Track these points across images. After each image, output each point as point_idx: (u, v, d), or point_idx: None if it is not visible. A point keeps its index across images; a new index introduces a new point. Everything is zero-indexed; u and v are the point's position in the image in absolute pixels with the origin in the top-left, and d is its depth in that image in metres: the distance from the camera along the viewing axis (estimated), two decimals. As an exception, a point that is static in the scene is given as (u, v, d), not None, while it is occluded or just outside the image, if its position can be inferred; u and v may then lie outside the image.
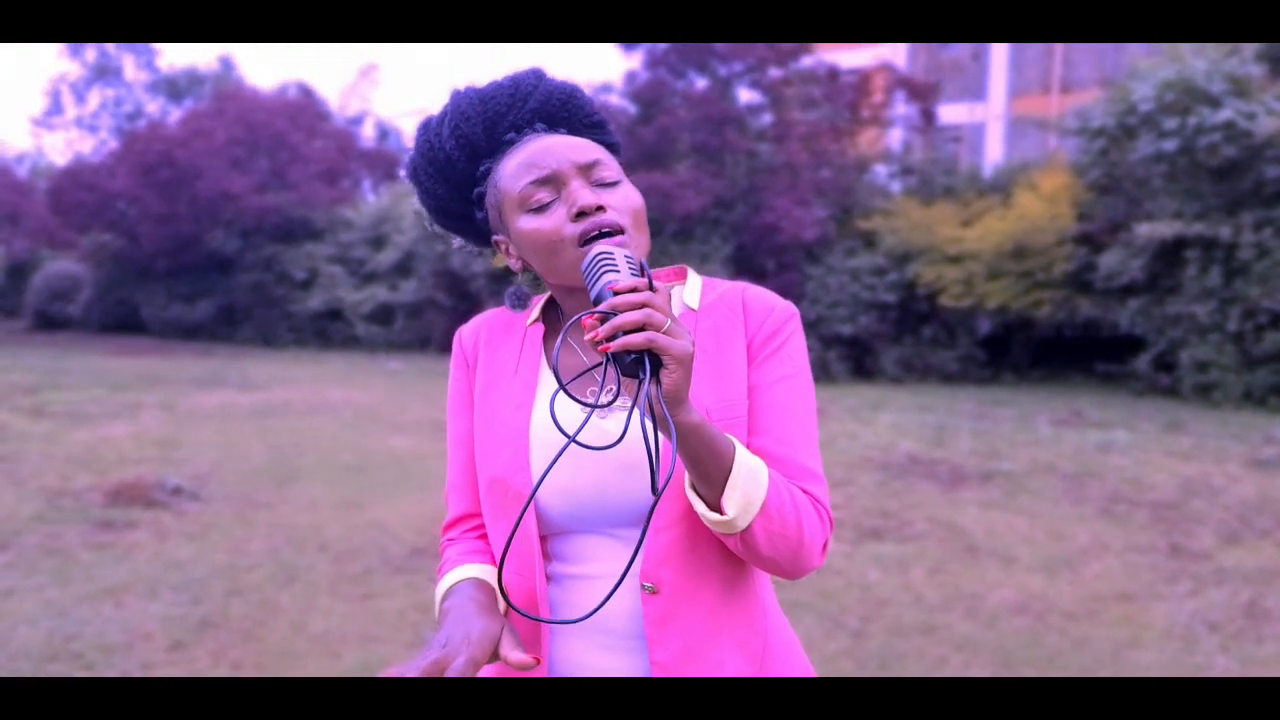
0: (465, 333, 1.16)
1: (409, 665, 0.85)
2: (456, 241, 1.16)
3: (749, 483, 0.89)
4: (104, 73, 28.16)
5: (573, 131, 1.06)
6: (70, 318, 23.47)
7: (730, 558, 0.97)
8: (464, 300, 18.26)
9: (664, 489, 0.79)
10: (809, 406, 1.01)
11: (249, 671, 3.05)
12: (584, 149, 1.00)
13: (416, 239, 19.09)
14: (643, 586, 0.96)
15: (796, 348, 1.03)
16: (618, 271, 0.86)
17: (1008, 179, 13.40)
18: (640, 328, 0.80)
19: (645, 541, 0.89)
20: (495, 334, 1.13)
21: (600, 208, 0.96)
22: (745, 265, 13.19)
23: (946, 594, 3.91)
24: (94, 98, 28.54)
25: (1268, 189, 10.35)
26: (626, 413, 0.84)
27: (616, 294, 0.82)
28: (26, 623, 3.37)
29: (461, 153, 1.06)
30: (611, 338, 0.80)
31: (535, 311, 1.12)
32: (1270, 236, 10.29)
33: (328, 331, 20.06)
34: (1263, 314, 10.22)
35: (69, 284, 24.27)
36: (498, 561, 0.96)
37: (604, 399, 0.83)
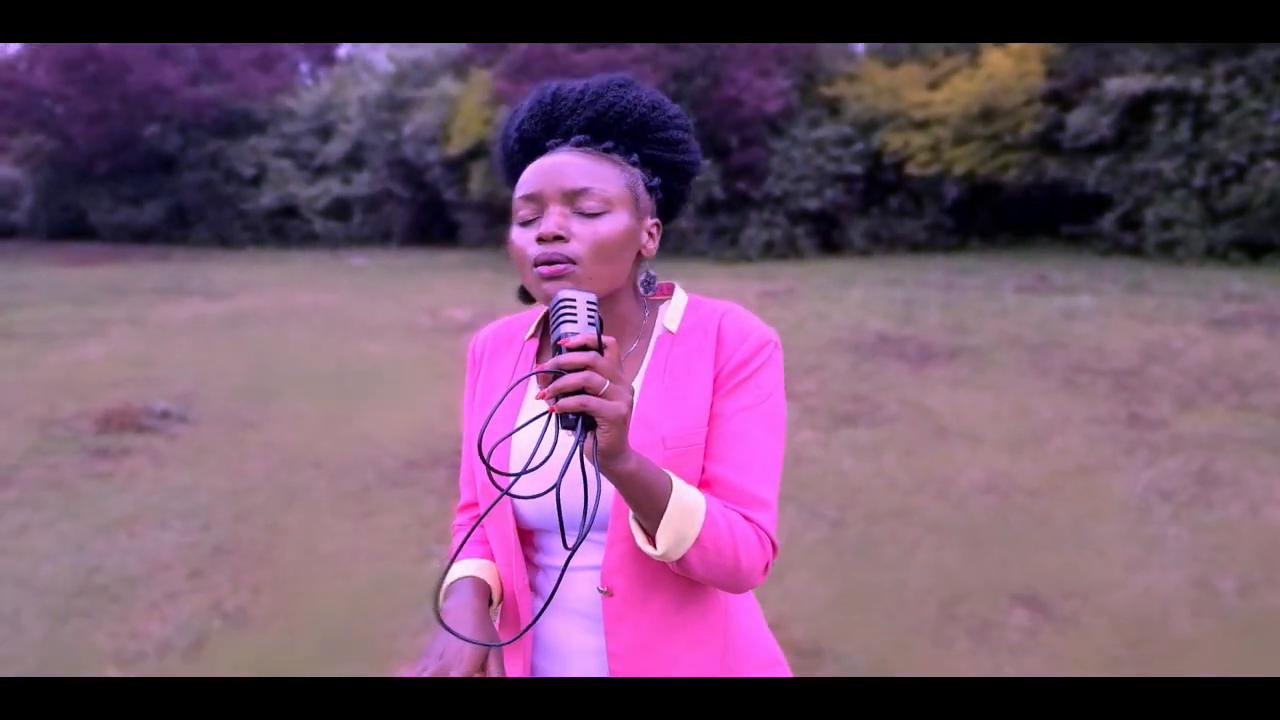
0: (478, 340, 1.23)
1: (415, 669, 0.99)
2: None
3: (682, 520, 0.97)
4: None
5: (629, 145, 1.09)
6: (15, 225, 22.70)
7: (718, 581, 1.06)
8: (421, 190, 17.87)
9: (577, 545, 0.88)
10: (771, 433, 1.06)
11: (266, 595, 3.21)
12: (576, 175, 1.03)
13: (364, 128, 18.46)
14: (599, 590, 1.06)
15: (766, 377, 1.07)
16: (574, 322, 0.90)
17: (974, 39, 13.16)
18: (579, 390, 0.87)
19: (605, 550, 1.03)
20: (499, 346, 1.20)
21: (560, 237, 1.01)
22: (707, 143, 12.98)
23: (918, 477, 4.14)
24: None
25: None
26: (564, 459, 0.90)
27: (567, 349, 0.88)
28: (47, 559, 3.48)
29: (520, 148, 1.11)
30: (556, 396, 0.87)
31: (532, 326, 1.18)
32: (1242, 86, 10.30)
33: (285, 229, 19.62)
34: (1229, 167, 10.36)
35: (8, 189, 23.36)
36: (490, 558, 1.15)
37: (540, 455, 0.90)
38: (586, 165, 1.04)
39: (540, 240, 1.01)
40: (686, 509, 0.98)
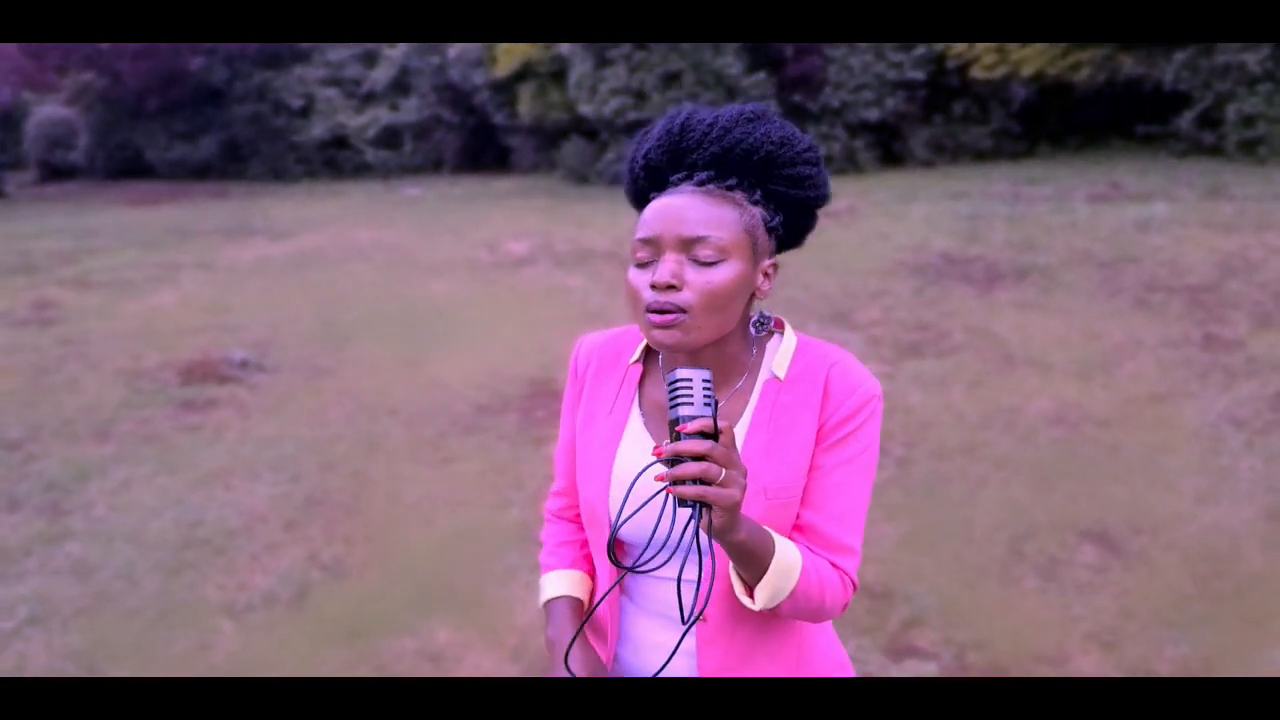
0: (583, 350, 1.27)
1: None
2: None
3: (780, 579, 1.04)
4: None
5: (753, 182, 1.09)
6: (74, 165, 23.23)
7: (789, 609, 1.12)
8: (470, 114, 17.74)
9: (694, 621, 0.99)
10: (865, 481, 1.12)
11: (359, 546, 3.40)
12: (694, 223, 1.04)
13: (408, 52, 18.30)
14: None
15: (868, 431, 1.11)
16: (691, 404, 0.95)
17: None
18: (698, 479, 0.92)
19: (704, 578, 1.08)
20: (605, 364, 1.23)
21: (673, 286, 1.03)
22: (762, 54, 12.59)
23: (986, 410, 4.14)
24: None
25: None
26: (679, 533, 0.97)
27: (684, 435, 0.93)
28: (152, 514, 3.72)
29: (646, 177, 1.13)
30: (674, 481, 0.93)
31: (637, 351, 1.22)
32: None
33: (337, 160, 19.73)
34: (1317, 58, 9.72)
35: (64, 130, 23.82)
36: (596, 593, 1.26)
37: (662, 531, 0.98)
38: (705, 211, 1.05)
39: (654, 288, 1.04)
40: (785, 569, 1.05)
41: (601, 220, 10.19)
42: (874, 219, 8.82)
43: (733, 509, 0.94)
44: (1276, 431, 3.70)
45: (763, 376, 1.15)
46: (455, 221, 11.50)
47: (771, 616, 1.15)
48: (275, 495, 3.84)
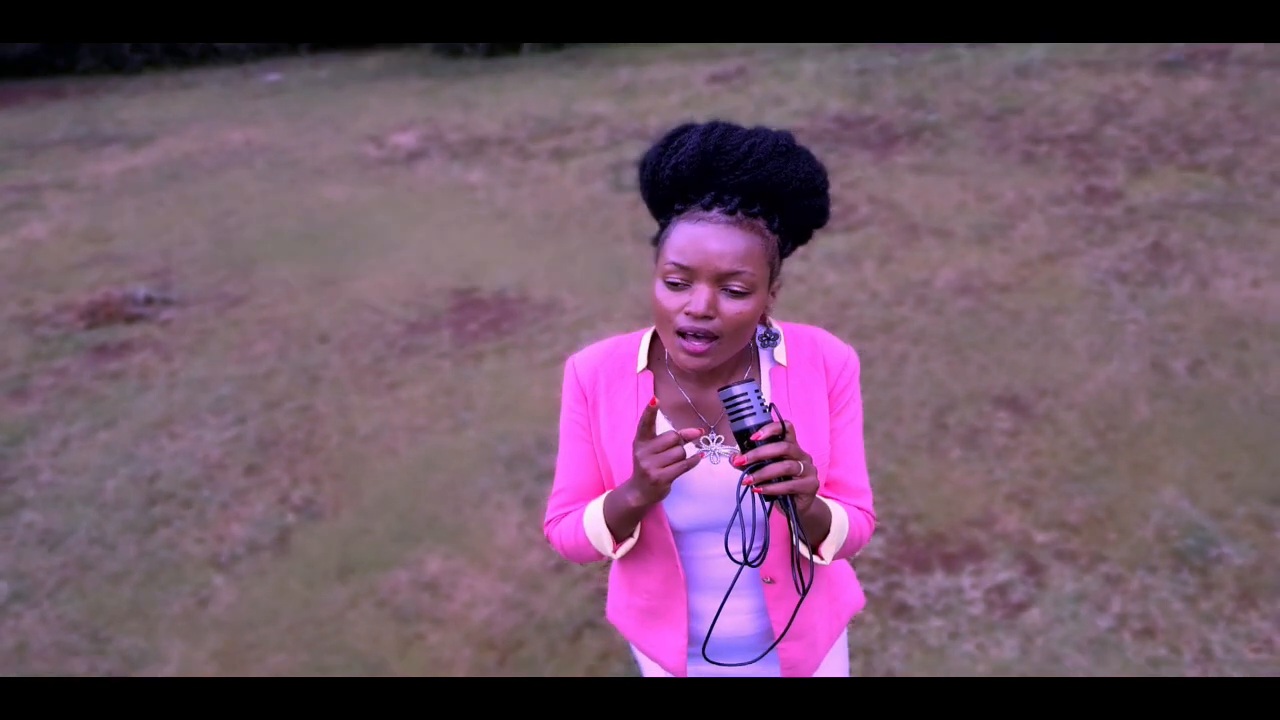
0: (581, 369, 1.34)
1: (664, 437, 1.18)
2: None
3: (838, 534, 1.28)
4: None
5: (777, 211, 1.19)
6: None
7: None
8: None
9: (807, 591, 1.17)
10: (861, 429, 1.35)
11: (327, 484, 3.48)
12: (731, 259, 1.15)
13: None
14: (763, 579, 1.34)
15: (857, 391, 1.33)
16: (754, 414, 1.11)
17: None
18: (785, 476, 1.09)
19: (768, 553, 1.25)
20: (612, 379, 1.33)
21: (708, 316, 1.16)
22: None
23: (897, 284, 4.43)
24: None
25: None
26: (740, 489, 1.14)
27: (756, 441, 1.10)
28: (104, 473, 3.69)
29: (673, 187, 1.21)
30: (763, 481, 1.10)
31: (643, 359, 1.32)
32: None
33: (179, 45, 18.07)
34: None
35: None
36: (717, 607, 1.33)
37: (749, 526, 1.18)
38: (738, 244, 1.15)
39: (690, 315, 1.16)
40: (840, 525, 1.27)
41: (486, 100, 9.85)
42: (766, 81, 8.84)
43: (814, 492, 1.12)
44: (1155, 283, 4.12)
45: (766, 366, 1.31)
46: (329, 112, 10.90)
47: (820, 570, 1.37)
48: (226, 440, 3.85)
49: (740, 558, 1.15)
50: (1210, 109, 6.20)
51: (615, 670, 2.56)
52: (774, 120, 7.36)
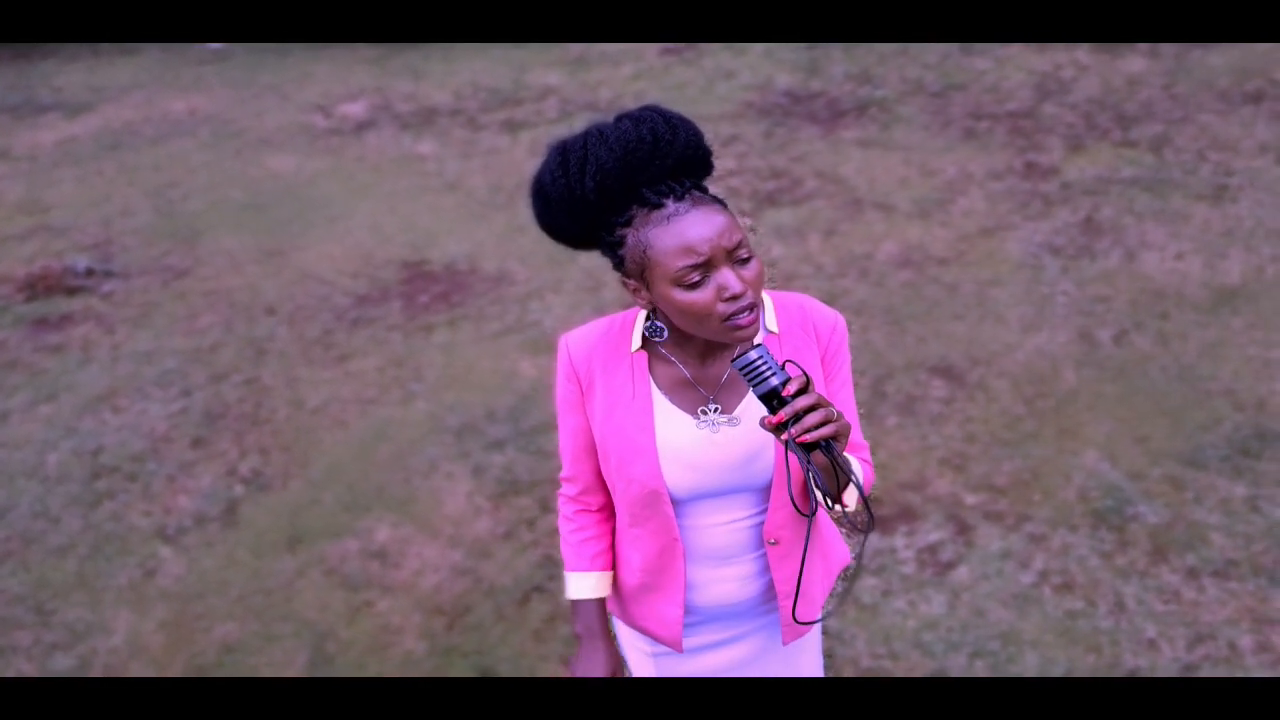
0: (574, 349, 1.37)
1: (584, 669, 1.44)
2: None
3: (856, 480, 1.31)
4: None
5: (700, 174, 1.23)
6: None
7: (821, 516, 1.41)
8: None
9: (867, 535, 1.24)
10: (853, 392, 1.40)
11: (275, 455, 3.49)
12: (730, 231, 1.17)
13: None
14: (767, 541, 1.38)
15: (847, 352, 1.38)
16: (775, 373, 1.13)
17: None
18: (822, 423, 1.11)
19: (769, 514, 1.34)
20: (608, 361, 1.35)
21: (744, 291, 1.17)
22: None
23: (841, 257, 4.53)
24: None
25: None
26: (781, 446, 1.24)
27: (788, 397, 1.12)
28: (46, 446, 3.65)
29: (600, 198, 1.20)
30: (805, 430, 1.11)
31: (636, 340, 1.35)
32: None
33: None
34: None
35: None
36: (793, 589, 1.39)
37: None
38: (718, 217, 1.17)
39: (730, 299, 1.17)
40: (859, 476, 1.29)
41: (436, 70, 9.73)
42: (717, 54, 8.85)
43: (849, 433, 1.17)
44: (1086, 256, 4.27)
45: (760, 337, 1.34)
46: (275, 80, 10.68)
47: (817, 530, 1.44)
48: (172, 413, 3.82)
49: (806, 511, 1.24)
50: (1144, 88, 6.39)
51: (562, 633, 2.63)
52: (726, 96, 7.41)
